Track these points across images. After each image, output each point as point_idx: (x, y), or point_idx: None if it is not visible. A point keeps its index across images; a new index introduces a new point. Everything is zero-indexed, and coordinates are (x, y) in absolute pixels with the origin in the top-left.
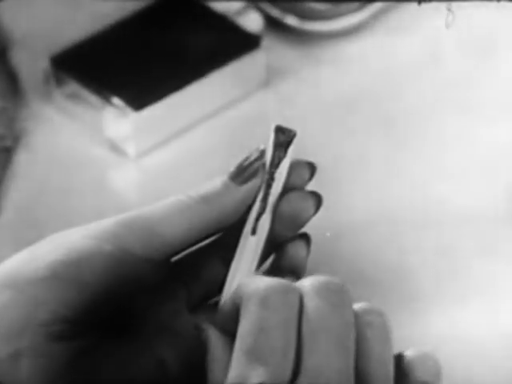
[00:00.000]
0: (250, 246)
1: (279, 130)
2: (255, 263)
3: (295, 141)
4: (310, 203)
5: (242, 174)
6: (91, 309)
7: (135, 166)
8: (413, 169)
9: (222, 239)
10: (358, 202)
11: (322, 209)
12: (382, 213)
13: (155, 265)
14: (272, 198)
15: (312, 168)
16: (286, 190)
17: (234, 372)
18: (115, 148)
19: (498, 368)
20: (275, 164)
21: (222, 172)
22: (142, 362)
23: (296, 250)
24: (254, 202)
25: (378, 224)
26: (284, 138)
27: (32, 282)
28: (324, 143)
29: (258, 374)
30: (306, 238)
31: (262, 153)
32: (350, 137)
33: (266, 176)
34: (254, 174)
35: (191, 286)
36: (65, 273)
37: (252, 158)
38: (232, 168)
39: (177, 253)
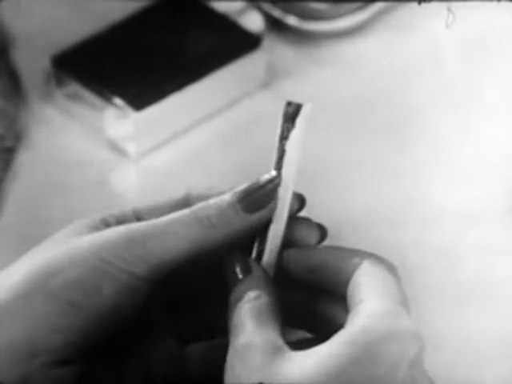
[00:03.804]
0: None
1: (288, 104)
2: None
3: (307, 115)
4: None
5: (252, 199)
6: (97, 334)
7: (136, 166)
8: (413, 168)
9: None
10: (358, 202)
11: (322, 208)
12: (382, 213)
13: (152, 284)
14: (286, 171)
15: (322, 231)
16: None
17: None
18: (116, 148)
19: (498, 368)
20: (285, 136)
21: (222, 172)
22: (133, 369)
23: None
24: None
25: (378, 224)
26: (292, 109)
27: (47, 308)
28: (324, 143)
29: None
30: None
31: (275, 177)
32: (350, 136)
33: (278, 149)
34: (265, 202)
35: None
36: (79, 299)
37: (262, 182)
38: (241, 187)
39: (177, 271)
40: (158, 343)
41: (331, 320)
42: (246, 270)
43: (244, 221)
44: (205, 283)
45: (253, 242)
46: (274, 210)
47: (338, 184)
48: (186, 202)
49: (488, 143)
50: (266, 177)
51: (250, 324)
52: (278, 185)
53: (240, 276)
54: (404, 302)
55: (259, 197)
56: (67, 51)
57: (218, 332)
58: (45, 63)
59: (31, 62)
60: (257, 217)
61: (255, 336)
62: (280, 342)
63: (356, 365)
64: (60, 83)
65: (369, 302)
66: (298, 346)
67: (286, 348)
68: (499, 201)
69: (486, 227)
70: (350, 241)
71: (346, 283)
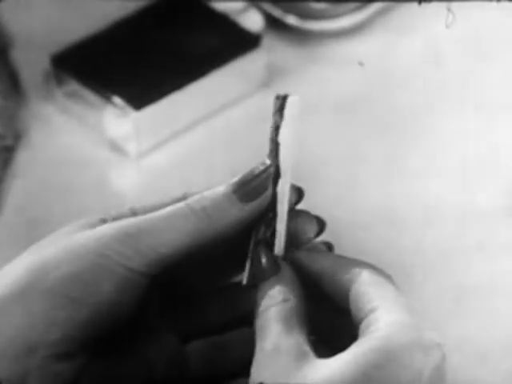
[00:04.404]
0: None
1: (277, 98)
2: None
3: (295, 106)
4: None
5: (247, 189)
6: (96, 328)
7: (136, 166)
8: (413, 168)
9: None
10: (357, 202)
11: (322, 208)
12: (381, 212)
13: (150, 278)
14: (282, 163)
15: (320, 223)
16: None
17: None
18: (116, 147)
19: (498, 368)
20: (276, 128)
21: (222, 172)
22: (133, 367)
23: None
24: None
25: (378, 223)
26: (280, 102)
27: (44, 303)
28: (324, 142)
29: None
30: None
31: (268, 166)
32: (350, 136)
33: (271, 141)
34: (260, 192)
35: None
36: (77, 293)
37: (257, 171)
38: (236, 179)
39: (174, 264)
40: (157, 340)
41: (330, 324)
42: (275, 268)
43: (239, 211)
44: (203, 278)
45: (249, 236)
46: (268, 199)
47: (337, 183)
48: None
49: (488, 143)
50: (259, 166)
51: (278, 327)
52: (271, 174)
53: (268, 274)
54: (414, 310)
55: (254, 186)
56: (67, 50)
57: (219, 329)
58: (45, 62)
59: (31, 61)
60: (252, 206)
61: (283, 340)
62: (306, 347)
63: (380, 371)
64: (60, 82)
65: (383, 311)
66: None
67: (311, 353)
68: (499, 201)
69: (486, 227)
70: (349, 241)
71: (345, 291)
